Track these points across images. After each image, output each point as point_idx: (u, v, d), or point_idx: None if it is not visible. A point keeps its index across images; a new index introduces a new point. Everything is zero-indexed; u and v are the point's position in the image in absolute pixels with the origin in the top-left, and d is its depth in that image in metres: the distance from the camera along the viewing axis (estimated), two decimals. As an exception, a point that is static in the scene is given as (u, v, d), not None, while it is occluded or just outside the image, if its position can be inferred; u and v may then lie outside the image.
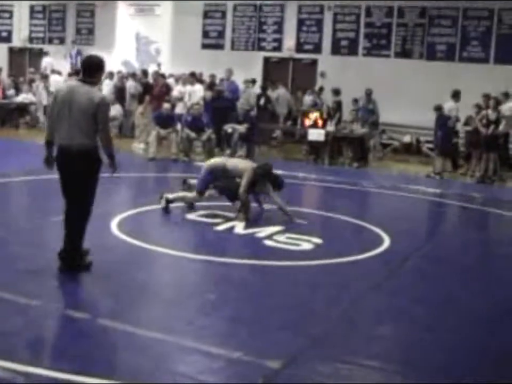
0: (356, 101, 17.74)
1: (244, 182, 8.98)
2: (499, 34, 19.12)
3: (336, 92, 18.01)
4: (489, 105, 15.34)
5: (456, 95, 15.64)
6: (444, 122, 15.36)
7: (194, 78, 18.30)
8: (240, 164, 9.45)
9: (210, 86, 18.45)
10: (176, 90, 18.06)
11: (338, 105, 17.86)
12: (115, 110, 16.85)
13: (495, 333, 5.53)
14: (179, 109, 17.26)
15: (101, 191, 11.49)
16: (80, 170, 6.27)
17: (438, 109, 15.34)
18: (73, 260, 6.29)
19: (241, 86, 18.85)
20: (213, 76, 19.13)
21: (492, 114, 15.02)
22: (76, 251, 6.32)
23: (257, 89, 19.52)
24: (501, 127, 15.14)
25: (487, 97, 15.65)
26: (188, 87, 17.79)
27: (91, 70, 6.38)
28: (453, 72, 19.06)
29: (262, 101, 19.20)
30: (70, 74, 21.13)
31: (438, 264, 7.82)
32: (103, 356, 4.61)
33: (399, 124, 18.18)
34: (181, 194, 9.52)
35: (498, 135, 15.05)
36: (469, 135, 15.98)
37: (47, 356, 4.56)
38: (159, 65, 21.54)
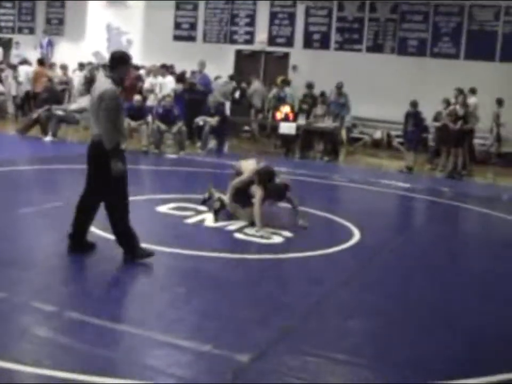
0: (322, 94, 17.81)
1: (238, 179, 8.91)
2: (469, 30, 19.33)
3: (310, 86, 18.01)
4: (458, 100, 15.48)
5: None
6: (418, 118, 15.49)
7: (165, 69, 18.22)
8: (243, 164, 9.28)
9: (181, 78, 18.38)
10: (148, 82, 17.98)
11: (313, 99, 17.86)
12: (84, 101, 16.62)
13: (463, 329, 5.58)
14: (150, 101, 17.19)
15: (69, 183, 11.47)
16: (93, 162, 6.46)
17: (414, 105, 15.44)
18: (125, 245, 6.59)
19: (213, 79, 18.84)
20: (171, 67, 19.15)
21: (460, 110, 15.15)
22: (124, 236, 6.58)
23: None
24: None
25: (459, 91, 15.76)
26: (159, 79, 17.71)
27: (111, 64, 6.52)
28: (424, 67, 19.25)
29: (237, 94, 19.21)
30: (39, 63, 20.88)
31: (408, 258, 7.88)
32: (71, 349, 4.57)
33: (370, 118, 18.30)
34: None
35: (466, 130, 15.18)
36: (438, 131, 16.12)
37: (13, 348, 4.51)
38: None
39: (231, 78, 19.60)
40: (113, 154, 6.28)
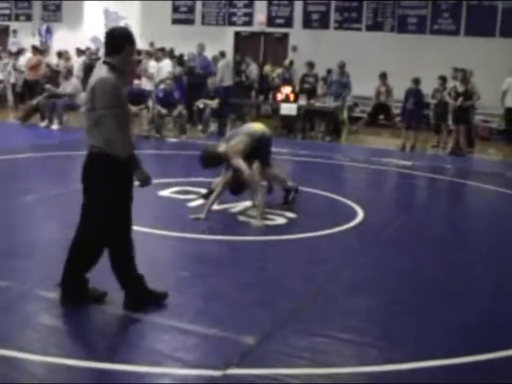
0: (329, 71, 17.77)
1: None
2: (469, 6, 19.16)
3: (311, 65, 17.92)
4: (457, 77, 15.35)
5: None
6: (419, 96, 15.39)
7: (162, 53, 18.11)
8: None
9: (180, 61, 18.29)
10: (152, 66, 17.68)
11: (315, 79, 17.81)
12: (71, 86, 16.33)
13: (468, 304, 5.56)
14: (147, 85, 17.07)
15: (72, 169, 11.42)
16: (88, 179, 4.96)
17: (416, 81, 15.36)
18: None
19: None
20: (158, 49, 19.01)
21: (459, 87, 15.03)
22: (128, 281, 5.09)
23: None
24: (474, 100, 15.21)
25: (461, 71, 15.57)
26: (156, 63, 17.59)
27: (107, 47, 4.88)
28: (424, 45, 19.14)
29: (241, 76, 19.27)
30: (41, 52, 20.76)
31: (412, 236, 7.85)
32: (76, 336, 4.57)
33: (371, 96, 18.15)
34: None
35: (467, 107, 15.07)
36: (436, 107, 16.04)
37: (19, 337, 4.49)
38: None
39: (222, 54, 19.35)
40: (133, 162, 4.91)
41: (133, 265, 5.11)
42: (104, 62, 4.82)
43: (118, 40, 4.83)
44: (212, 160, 8.07)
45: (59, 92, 16.09)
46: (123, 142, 4.77)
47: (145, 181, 5.10)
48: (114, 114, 4.68)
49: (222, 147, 8.13)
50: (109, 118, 4.66)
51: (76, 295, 5.07)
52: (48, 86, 16.35)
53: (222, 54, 18.99)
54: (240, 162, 7.89)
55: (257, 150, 8.11)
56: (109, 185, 4.86)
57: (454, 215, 9.56)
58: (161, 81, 16.25)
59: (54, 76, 17.91)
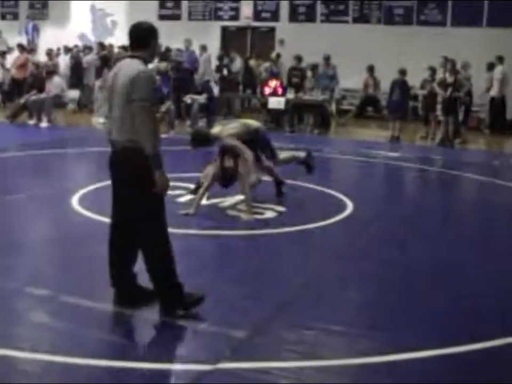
0: (315, 66, 17.79)
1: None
2: (455, -4, 19.18)
3: (299, 59, 17.94)
4: (447, 68, 15.37)
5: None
6: (405, 87, 15.39)
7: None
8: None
9: (164, 57, 18.27)
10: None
11: (302, 73, 17.83)
12: (55, 86, 16.21)
13: (458, 294, 5.58)
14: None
15: (61, 167, 11.41)
16: (126, 178, 4.77)
17: (402, 72, 15.37)
18: (169, 295, 4.90)
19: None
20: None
21: (449, 77, 15.06)
22: (166, 281, 4.91)
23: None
24: (463, 91, 15.24)
25: (450, 60, 15.61)
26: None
27: (134, 41, 4.84)
28: (411, 36, 19.15)
29: (225, 71, 19.19)
30: (29, 51, 20.69)
31: (402, 228, 7.87)
32: (67, 333, 4.55)
33: (359, 89, 18.18)
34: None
35: (456, 98, 15.09)
36: (424, 99, 16.08)
37: (10, 335, 4.48)
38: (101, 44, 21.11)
39: (203, 48, 19.27)
40: (157, 162, 4.59)
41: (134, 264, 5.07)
42: (134, 56, 4.77)
43: (145, 34, 4.85)
44: (203, 140, 8.12)
45: (43, 98, 15.97)
46: (153, 138, 4.59)
47: (163, 185, 4.67)
48: (149, 108, 4.59)
49: (216, 129, 8.25)
50: (145, 111, 4.55)
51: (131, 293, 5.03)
52: (33, 97, 16.21)
53: (203, 48, 18.98)
54: (235, 142, 7.93)
55: (257, 142, 8.31)
56: (148, 180, 4.62)
57: (444, 206, 9.58)
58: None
59: (40, 74, 17.83)
